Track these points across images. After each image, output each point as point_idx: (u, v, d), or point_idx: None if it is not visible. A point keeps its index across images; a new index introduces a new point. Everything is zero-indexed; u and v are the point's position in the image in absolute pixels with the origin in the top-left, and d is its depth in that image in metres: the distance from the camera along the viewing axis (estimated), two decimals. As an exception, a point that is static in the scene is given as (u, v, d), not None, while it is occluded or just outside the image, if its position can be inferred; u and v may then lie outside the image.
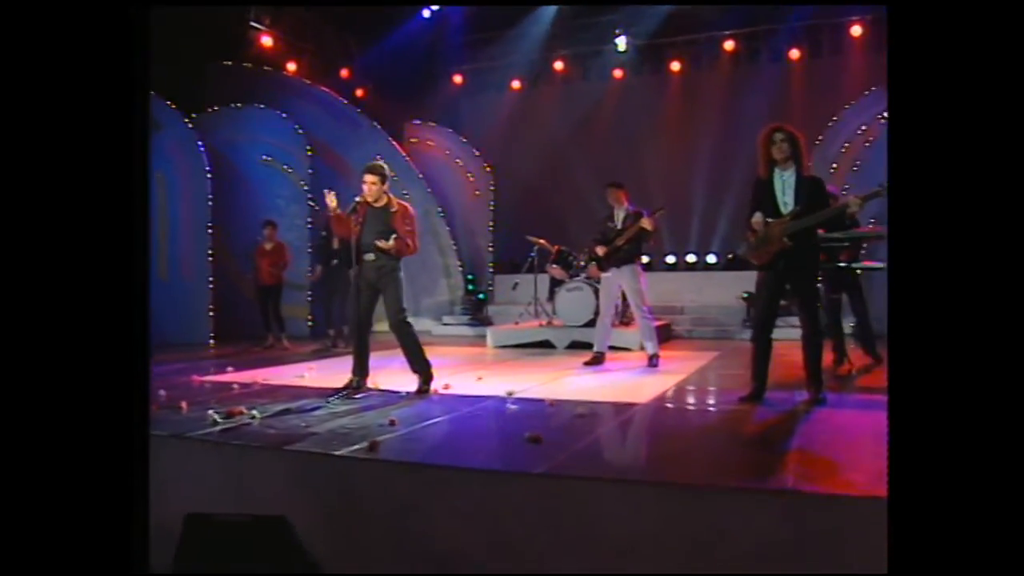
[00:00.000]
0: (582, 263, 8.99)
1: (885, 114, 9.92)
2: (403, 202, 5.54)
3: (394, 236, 5.34)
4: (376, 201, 5.41)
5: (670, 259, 12.88)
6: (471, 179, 13.01)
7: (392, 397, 5.20)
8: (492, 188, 12.63)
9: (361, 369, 5.48)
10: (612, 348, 7.73)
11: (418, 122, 13.23)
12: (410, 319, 5.47)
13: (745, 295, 9.99)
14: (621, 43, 12.35)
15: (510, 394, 5.24)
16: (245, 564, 2.60)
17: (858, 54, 11.73)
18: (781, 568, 2.73)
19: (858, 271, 6.56)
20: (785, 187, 4.73)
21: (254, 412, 4.45)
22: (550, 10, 12.34)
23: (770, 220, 4.70)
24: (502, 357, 7.99)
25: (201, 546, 2.63)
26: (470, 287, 11.63)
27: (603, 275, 7.02)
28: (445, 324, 11.32)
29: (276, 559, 2.65)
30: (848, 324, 7.02)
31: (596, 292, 8.68)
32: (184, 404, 4.84)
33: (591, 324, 8.63)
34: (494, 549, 3.07)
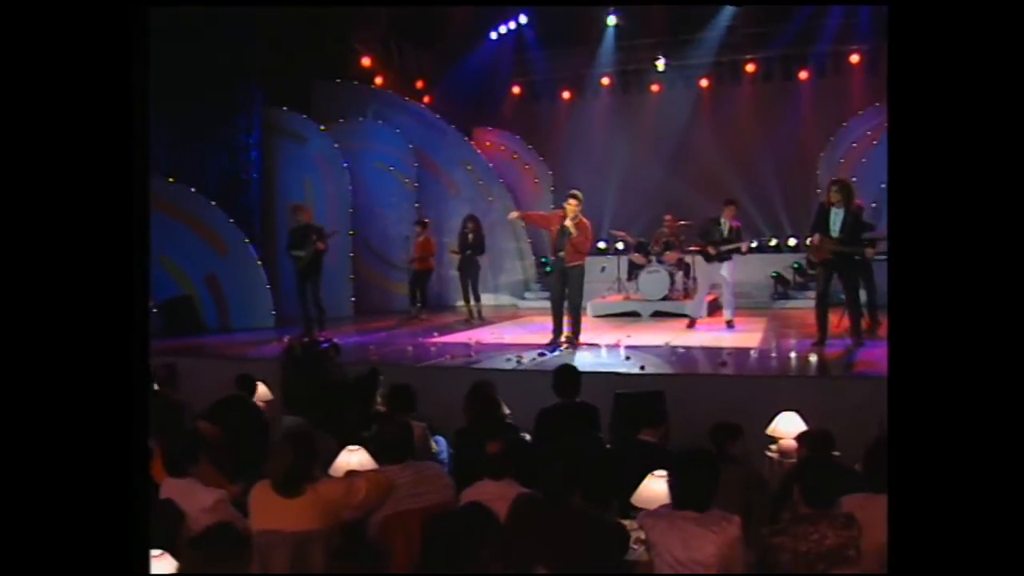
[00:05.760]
0: (658, 250, 12.44)
1: (879, 127, 13.43)
2: (585, 221, 8.84)
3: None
4: (572, 217, 8.69)
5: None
6: (528, 170, 16.36)
7: (594, 348, 8.60)
8: (552, 189, 15.97)
9: (560, 330, 8.85)
10: (684, 316, 11.30)
11: (483, 128, 16.54)
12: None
13: (774, 274, 13.53)
14: (660, 64, 15.76)
15: (667, 344, 8.70)
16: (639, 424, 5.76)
17: (857, 77, 15.32)
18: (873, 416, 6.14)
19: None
20: (835, 218, 8.12)
21: (536, 356, 7.81)
22: (609, 34, 15.65)
23: (823, 237, 8.12)
24: (609, 323, 11.40)
25: (622, 416, 5.81)
26: (547, 269, 14.93)
27: (709, 264, 10.40)
28: (527, 298, 14.68)
29: (652, 417, 5.86)
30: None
31: (670, 274, 12.14)
32: (472, 353, 8.17)
33: (667, 299, 12.12)
34: (723, 412, 6.44)
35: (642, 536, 3.62)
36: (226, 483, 4.49)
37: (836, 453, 5.65)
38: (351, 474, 4.18)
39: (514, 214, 9.14)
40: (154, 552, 3.17)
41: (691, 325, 10.42)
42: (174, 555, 3.23)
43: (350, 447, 4.75)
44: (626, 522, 3.85)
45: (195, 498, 4.00)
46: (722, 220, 10.29)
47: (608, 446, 5.25)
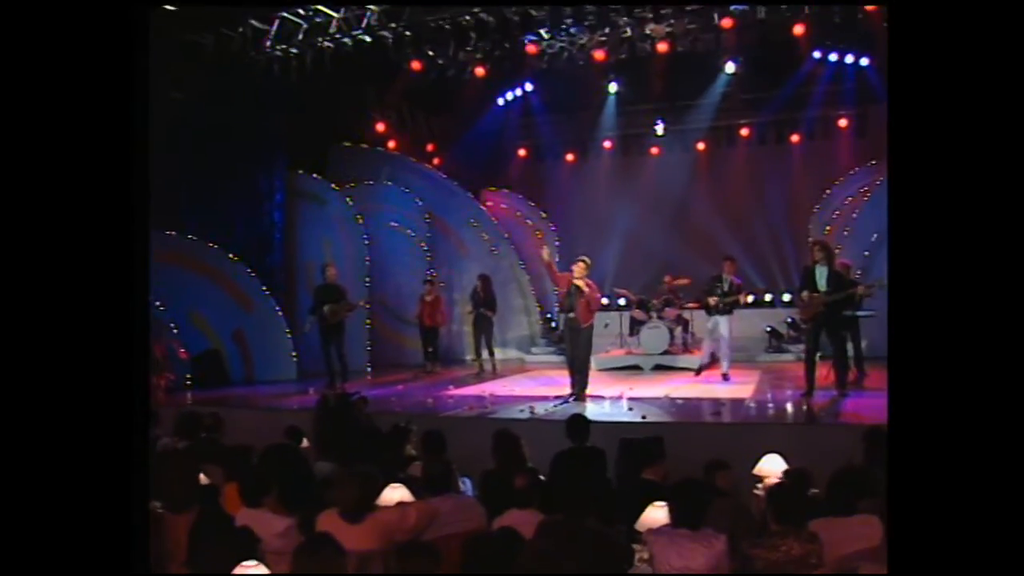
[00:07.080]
0: (658, 307, 13.33)
1: (865, 189, 14.40)
2: (591, 283, 9.73)
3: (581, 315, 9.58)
4: (580, 279, 9.59)
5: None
6: (539, 236, 17.34)
7: (600, 400, 9.45)
8: (557, 244, 16.93)
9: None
10: (682, 369, 12.20)
11: (491, 189, 17.58)
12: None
13: (768, 328, 14.40)
14: (659, 128, 16.86)
15: (667, 395, 9.54)
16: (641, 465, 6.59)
17: (845, 140, 16.42)
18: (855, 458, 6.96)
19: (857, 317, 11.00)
20: (821, 275, 9.05)
21: (547, 407, 8.66)
22: (611, 101, 16.75)
23: (812, 294, 9.03)
24: (613, 376, 12.25)
25: (626, 458, 6.64)
26: (553, 324, 15.85)
27: (711, 318, 11.23)
28: (534, 353, 15.55)
29: (652, 459, 6.70)
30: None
31: (670, 330, 13.02)
32: (488, 404, 9.02)
33: (667, 353, 12.99)
34: (716, 455, 7.26)
35: (645, 556, 4.45)
36: (287, 513, 5.32)
37: (815, 490, 6.50)
38: (402, 504, 5.00)
39: (546, 255, 10.08)
40: (250, 563, 3.99)
41: (698, 373, 11.30)
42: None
43: (392, 484, 5.57)
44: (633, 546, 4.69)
45: (268, 525, 4.84)
46: (724, 276, 11.15)
47: (614, 485, 6.10)
